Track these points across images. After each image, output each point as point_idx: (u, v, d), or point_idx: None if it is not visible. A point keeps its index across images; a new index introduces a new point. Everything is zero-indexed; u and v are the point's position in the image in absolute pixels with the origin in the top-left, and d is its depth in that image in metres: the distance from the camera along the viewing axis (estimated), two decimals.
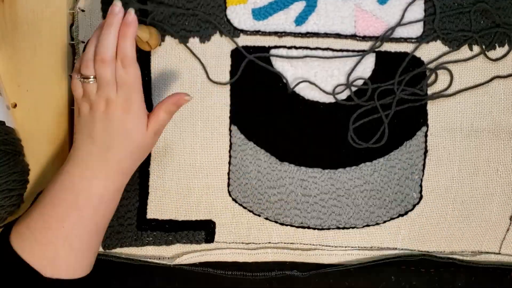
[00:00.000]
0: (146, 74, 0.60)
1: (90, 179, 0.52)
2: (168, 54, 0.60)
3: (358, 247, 0.62)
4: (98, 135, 0.52)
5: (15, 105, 0.60)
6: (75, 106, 0.54)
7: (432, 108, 0.60)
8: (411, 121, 0.60)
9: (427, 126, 0.60)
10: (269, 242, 0.62)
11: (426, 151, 0.61)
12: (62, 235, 0.51)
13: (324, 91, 0.60)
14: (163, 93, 0.61)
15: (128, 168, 0.54)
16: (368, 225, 0.61)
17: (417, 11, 0.59)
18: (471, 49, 0.60)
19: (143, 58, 0.60)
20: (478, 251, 0.62)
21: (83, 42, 0.60)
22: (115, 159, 0.52)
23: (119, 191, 0.54)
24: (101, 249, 0.62)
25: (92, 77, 0.51)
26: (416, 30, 0.59)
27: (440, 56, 0.60)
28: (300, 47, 0.60)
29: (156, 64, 0.60)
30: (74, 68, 0.54)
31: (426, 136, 0.61)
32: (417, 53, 0.60)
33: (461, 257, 0.62)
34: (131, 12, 0.51)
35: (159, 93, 0.61)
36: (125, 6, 0.59)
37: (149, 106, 0.60)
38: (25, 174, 0.58)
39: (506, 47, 0.60)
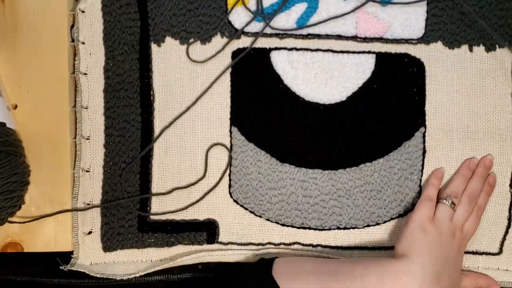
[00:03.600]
0: (146, 75, 0.61)
1: None
2: (169, 55, 0.60)
3: (359, 247, 0.62)
4: (440, 259, 0.54)
5: (16, 106, 0.60)
6: (419, 219, 0.57)
7: (430, 109, 0.61)
8: (409, 121, 0.61)
9: (425, 127, 0.61)
10: (270, 243, 0.62)
11: (424, 152, 0.61)
12: None
13: None
14: (164, 94, 0.61)
15: None
16: (368, 225, 0.62)
17: (420, 12, 0.60)
18: (471, 50, 0.60)
19: (144, 58, 0.60)
20: (477, 251, 0.62)
21: (83, 43, 0.60)
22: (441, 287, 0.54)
23: None
24: (100, 258, 0.62)
25: (452, 203, 0.58)
26: (417, 31, 0.60)
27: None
28: (301, 49, 0.60)
29: (157, 65, 0.60)
30: (428, 189, 0.60)
31: (424, 136, 0.61)
32: (417, 54, 0.60)
33: None
34: (494, 176, 0.61)
35: (159, 94, 0.61)
36: (126, 6, 0.60)
37: (149, 107, 0.61)
38: (25, 175, 0.58)
39: (506, 49, 0.60)
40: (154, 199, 0.61)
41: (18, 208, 0.57)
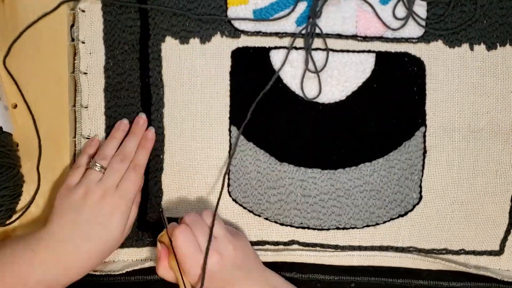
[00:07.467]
0: (146, 75, 0.61)
1: (49, 267, 0.52)
2: (168, 55, 0.60)
3: (358, 247, 0.62)
4: (83, 222, 0.54)
5: (16, 106, 0.60)
6: (63, 189, 0.56)
7: (431, 108, 0.60)
8: (409, 121, 0.61)
9: (426, 126, 0.61)
10: (269, 242, 0.62)
11: (425, 151, 0.61)
12: None
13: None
14: (163, 94, 0.61)
15: (91, 264, 0.54)
16: (368, 226, 0.62)
17: (420, 11, 0.60)
18: (472, 49, 0.60)
19: (143, 58, 0.60)
20: (478, 251, 0.62)
21: (83, 42, 0.60)
22: (87, 250, 0.53)
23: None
24: None
25: (101, 167, 0.56)
26: (418, 30, 0.60)
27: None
28: (300, 48, 0.60)
29: (156, 65, 0.61)
30: (80, 157, 0.59)
31: (424, 136, 0.61)
32: (417, 53, 0.60)
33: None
34: (152, 130, 0.60)
35: (158, 94, 0.61)
36: (125, 9, 0.60)
37: (149, 106, 0.61)
38: (17, 188, 0.58)
39: (508, 47, 0.60)
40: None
41: (6, 219, 0.58)
